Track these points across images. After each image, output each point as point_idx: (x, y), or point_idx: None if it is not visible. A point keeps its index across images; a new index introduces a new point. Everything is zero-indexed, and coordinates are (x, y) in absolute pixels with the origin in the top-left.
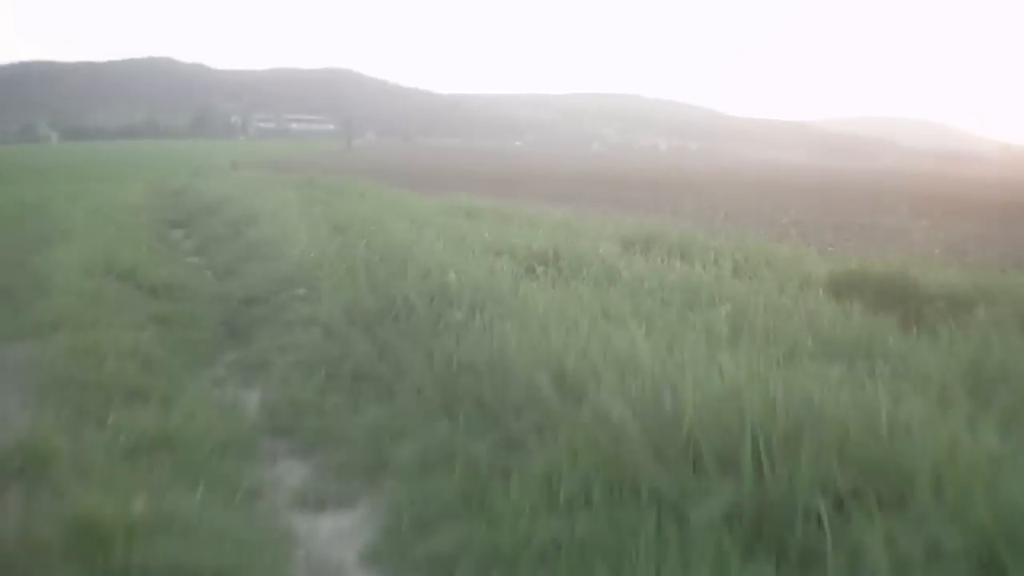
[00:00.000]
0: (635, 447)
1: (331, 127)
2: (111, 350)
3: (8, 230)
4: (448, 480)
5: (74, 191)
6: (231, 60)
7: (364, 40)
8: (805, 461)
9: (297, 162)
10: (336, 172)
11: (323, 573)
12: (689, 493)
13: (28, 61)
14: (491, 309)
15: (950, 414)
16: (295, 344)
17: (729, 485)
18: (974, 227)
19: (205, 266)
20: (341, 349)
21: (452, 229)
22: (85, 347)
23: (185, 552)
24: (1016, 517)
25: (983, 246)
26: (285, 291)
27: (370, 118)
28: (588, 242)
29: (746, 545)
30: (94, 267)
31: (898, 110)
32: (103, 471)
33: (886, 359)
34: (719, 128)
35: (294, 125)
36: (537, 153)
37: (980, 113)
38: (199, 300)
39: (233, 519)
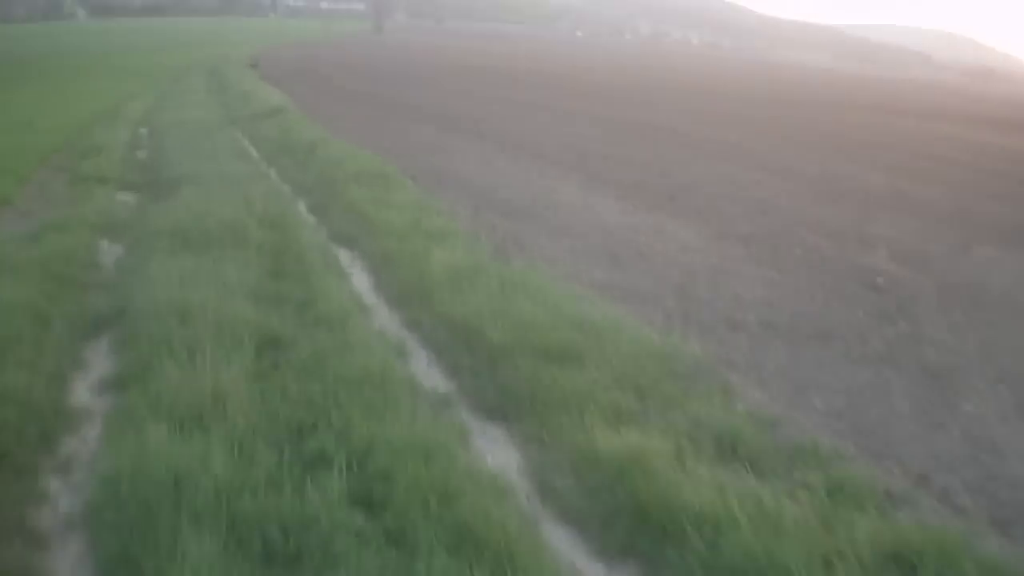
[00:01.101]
0: None
1: (361, 7)
2: None
3: None
4: None
5: None
6: None
7: None
8: None
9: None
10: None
11: None
12: None
13: None
14: None
15: None
16: None
17: None
18: None
19: None
20: None
21: None
22: None
23: None
24: None
25: None
26: None
27: None
28: None
29: None
30: None
31: (928, 21)
32: None
33: None
34: (751, 26)
35: (324, 4)
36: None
37: (1012, 30)
38: None
39: None
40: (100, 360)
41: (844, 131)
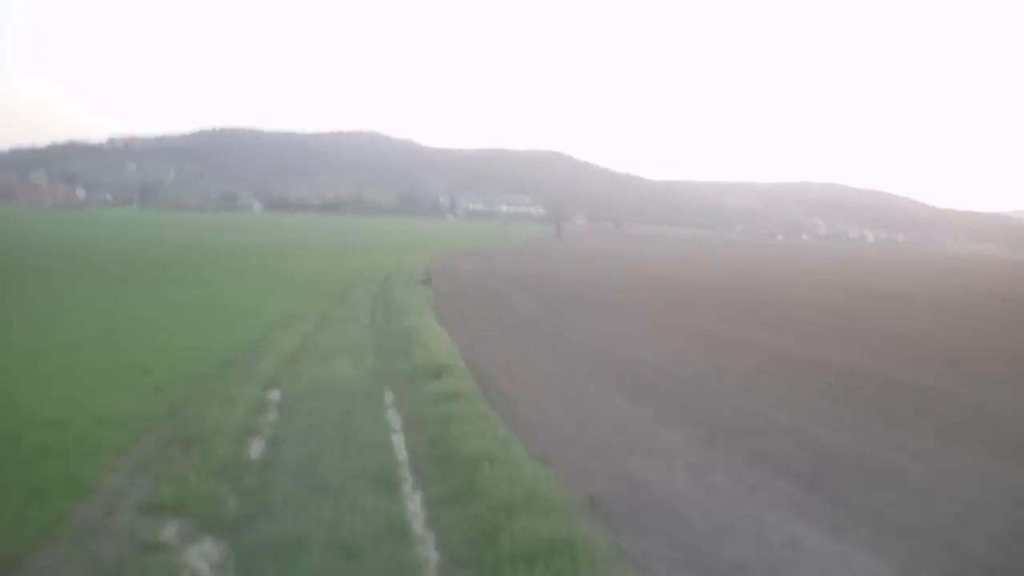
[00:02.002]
0: None
1: (540, 210)
2: None
3: None
4: None
5: None
6: (440, 138)
7: (574, 123)
8: None
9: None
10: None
11: None
12: None
13: (231, 128)
14: None
15: None
16: None
17: None
18: None
19: None
20: None
21: None
22: None
23: None
24: None
25: None
26: None
27: (579, 201)
28: None
29: None
30: None
31: None
32: None
33: None
34: (922, 219)
35: (503, 207)
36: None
37: None
38: None
39: None
40: None
41: None
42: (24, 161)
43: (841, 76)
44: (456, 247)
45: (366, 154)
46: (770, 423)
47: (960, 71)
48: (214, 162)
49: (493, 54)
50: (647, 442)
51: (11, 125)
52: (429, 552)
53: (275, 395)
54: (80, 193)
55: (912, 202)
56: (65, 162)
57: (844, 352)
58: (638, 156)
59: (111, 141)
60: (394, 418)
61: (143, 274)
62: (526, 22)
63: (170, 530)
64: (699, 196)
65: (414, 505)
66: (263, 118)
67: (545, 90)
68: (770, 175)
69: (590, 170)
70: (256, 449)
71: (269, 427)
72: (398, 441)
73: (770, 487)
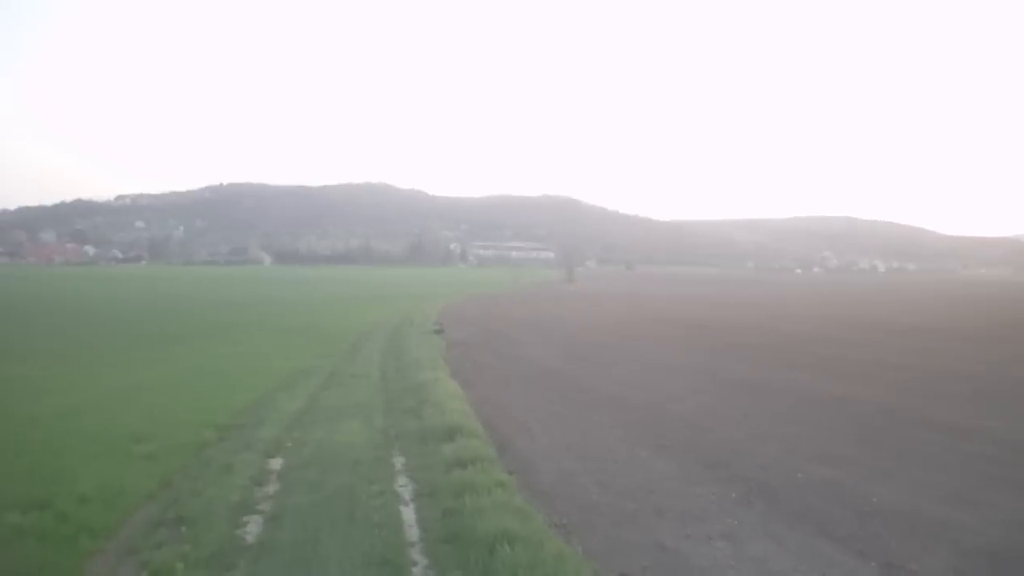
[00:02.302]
0: None
1: (551, 255)
2: None
3: None
4: None
5: None
6: (449, 187)
7: (582, 167)
8: None
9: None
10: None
11: None
12: None
13: (239, 182)
14: None
15: None
16: None
17: None
18: None
19: None
20: None
21: None
22: None
23: None
24: None
25: None
26: None
27: (590, 244)
28: None
29: None
30: None
31: None
32: None
33: None
34: (933, 247)
35: (514, 253)
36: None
37: None
38: None
39: None
40: None
41: None
42: (33, 220)
43: (846, 108)
44: (467, 294)
45: (375, 205)
46: (806, 475)
47: (964, 101)
48: (223, 217)
49: (500, 102)
50: (679, 504)
51: (19, 185)
52: None
53: (277, 463)
54: (89, 250)
55: (922, 230)
56: (73, 220)
57: (868, 389)
58: (647, 197)
59: (119, 198)
60: (404, 487)
61: (146, 332)
62: (531, 70)
63: None
64: (709, 234)
65: None
66: (271, 172)
67: (552, 136)
68: (779, 210)
69: (599, 213)
70: (253, 529)
71: (268, 501)
72: (408, 515)
73: (818, 553)
